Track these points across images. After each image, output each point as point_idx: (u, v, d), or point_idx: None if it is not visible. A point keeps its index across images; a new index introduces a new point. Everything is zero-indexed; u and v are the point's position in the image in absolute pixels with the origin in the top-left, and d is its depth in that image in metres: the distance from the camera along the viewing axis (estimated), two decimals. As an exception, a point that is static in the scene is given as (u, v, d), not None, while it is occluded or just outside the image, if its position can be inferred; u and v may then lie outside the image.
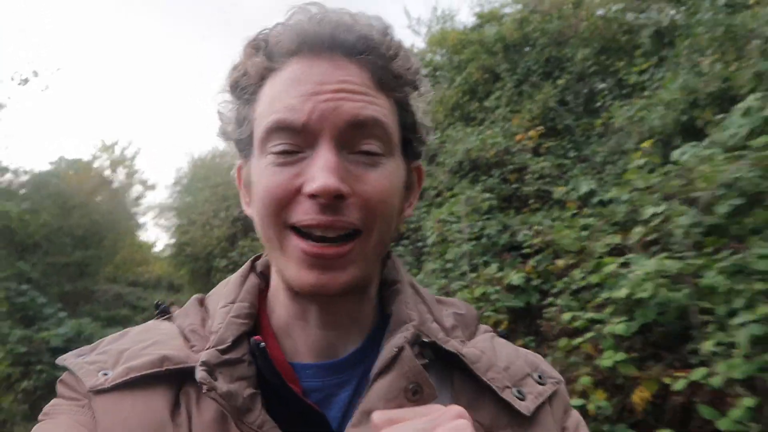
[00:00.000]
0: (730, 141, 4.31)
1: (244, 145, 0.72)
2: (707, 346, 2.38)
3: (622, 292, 2.79)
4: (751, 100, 4.41)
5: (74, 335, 8.32)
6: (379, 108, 0.66)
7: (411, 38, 12.75)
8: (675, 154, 4.61)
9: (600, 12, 9.73)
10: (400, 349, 0.67)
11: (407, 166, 0.74)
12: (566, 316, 3.18)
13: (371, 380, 0.66)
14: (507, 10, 11.69)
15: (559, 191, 6.26)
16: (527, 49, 10.16)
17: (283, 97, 0.65)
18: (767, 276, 2.32)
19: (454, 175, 7.73)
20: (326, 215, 0.62)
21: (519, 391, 0.73)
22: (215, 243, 13.52)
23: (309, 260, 0.63)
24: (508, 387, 0.73)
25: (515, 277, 4.23)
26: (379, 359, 0.67)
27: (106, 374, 0.66)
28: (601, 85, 9.10)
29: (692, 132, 5.97)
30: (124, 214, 23.83)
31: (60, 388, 0.70)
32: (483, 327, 0.85)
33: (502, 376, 0.73)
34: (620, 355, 2.74)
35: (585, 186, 6.40)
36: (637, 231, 3.37)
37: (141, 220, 26.13)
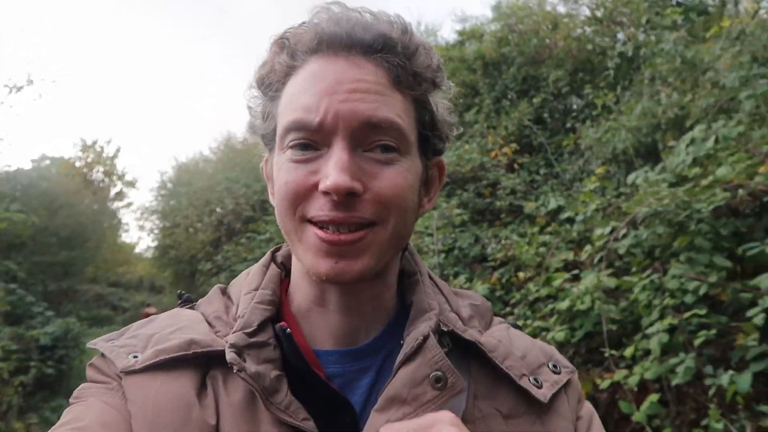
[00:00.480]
0: (678, 168, 4.75)
1: (268, 140, 0.76)
2: (628, 352, 2.81)
3: (564, 304, 3.21)
4: (696, 132, 4.85)
5: (62, 334, 8.57)
6: (393, 108, 0.67)
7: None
8: (630, 178, 5.05)
9: (576, 33, 10.16)
10: (425, 338, 0.69)
11: (425, 162, 0.75)
12: (518, 323, 3.57)
13: (396, 367, 0.68)
14: (488, 27, 12.03)
15: (529, 206, 6.62)
16: (505, 67, 10.52)
17: (301, 95, 0.67)
18: (676, 293, 2.75)
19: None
20: (339, 211, 0.65)
21: (536, 379, 0.75)
22: (199, 246, 13.77)
23: (325, 248, 0.66)
24: (525, 375, 0.74)
25: (481, 288, 4.62)
26: (405, 346, 0.69)
27: (136, 356, 0.69)
28: (576, 102, 9.56)
29: (655, 154, 6.41)
30: (107, 214, 23.91)
31: (90, 372, 0.73)
32: (497, 318, 0.88)
33: (519, 365, 0.75)
34: (561, 359, 3.14)
35: (553, 202, 6.76)
36: (587, 249, 3.79)
37: (123, 219, 26.31)
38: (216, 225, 13.58)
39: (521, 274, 4.55)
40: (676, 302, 2.71)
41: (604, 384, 2.84)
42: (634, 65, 8.04)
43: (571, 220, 5.60)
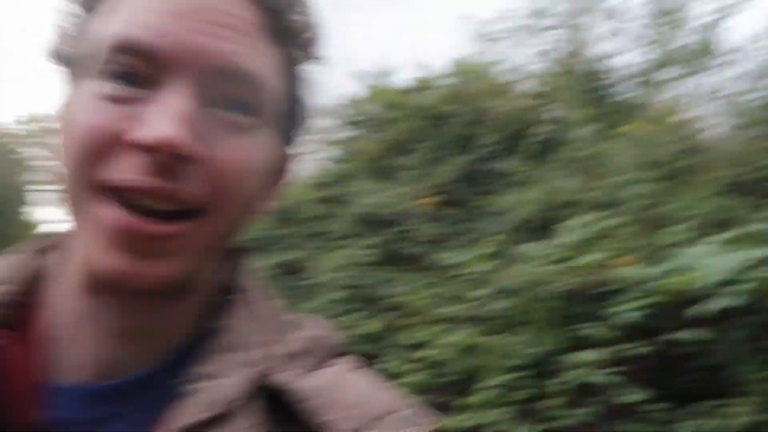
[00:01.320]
0: (560, 247, 5.37)
1: (75, 70, 0.52)
2: (473, 400, 3.34)
3: (426, 352, 3.70)
4: (584, 218, 5.49)
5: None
6: (262, 60, 0.50)
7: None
8: (521, 248, 5.64)
9: (516, 103, 10.95)
10: (250, 396, 0.49)
11: (281, 145, 0.56)
12: (390, 363, 4.08)
13: (187, 429, 0.46)
14: (443, 81, 12.61)
15: (439, 257, 7.13)
16: (450, 121, 11.14)
17: (137, 9, 0.47)
18: (506, 354, 3.31)
19: (353, 224, 8.57)
20: (159, 178, 0.44)
21: None
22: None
23: (124, 237, 0.45)
24: (355, 430, 0.49)
25: (370, 327, 5.09)
26: (204, 400, 0.48)
27: None
28: (506, 166, 10.25)
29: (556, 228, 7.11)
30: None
31: None
32: (345, 358, 0.60)
33: (346, 416, 0.50)
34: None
35: (459, 257, 7.30)
36: (463, 307, 4.32)
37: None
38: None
39: (408, 319, 5.02)
40: (507, 364, 3.26)
41: (446, 425, 3.32)
42: (554, 143, 8.82)
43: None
